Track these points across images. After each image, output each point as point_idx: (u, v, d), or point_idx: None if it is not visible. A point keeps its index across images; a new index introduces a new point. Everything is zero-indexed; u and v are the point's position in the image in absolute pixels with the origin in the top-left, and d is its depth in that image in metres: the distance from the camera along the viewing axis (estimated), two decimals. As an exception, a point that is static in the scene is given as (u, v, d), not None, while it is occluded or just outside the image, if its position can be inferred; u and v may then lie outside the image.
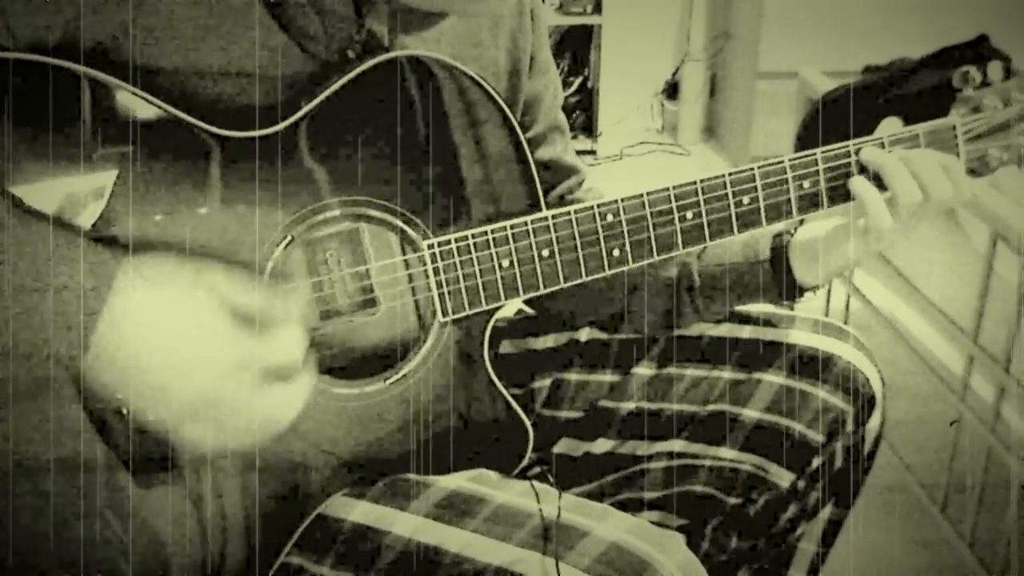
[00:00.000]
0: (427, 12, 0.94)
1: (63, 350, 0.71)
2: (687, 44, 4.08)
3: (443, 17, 0.98)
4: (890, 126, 1.04)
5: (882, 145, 1.02)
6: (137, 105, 0.80)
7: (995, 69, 1.04)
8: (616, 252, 0.97)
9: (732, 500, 1.14)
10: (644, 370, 1.15)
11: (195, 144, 0.82)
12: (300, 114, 0.86)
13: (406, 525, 0.90)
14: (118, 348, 0.73)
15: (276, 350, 0.79)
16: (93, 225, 0.79)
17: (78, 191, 0.78)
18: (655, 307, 1.13)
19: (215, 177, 0.83)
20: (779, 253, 1.06)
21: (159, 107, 0.81)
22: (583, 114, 4.01)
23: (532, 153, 1.08)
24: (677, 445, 1.14)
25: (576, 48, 3.98)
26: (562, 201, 1.15)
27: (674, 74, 4.14)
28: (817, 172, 1.01)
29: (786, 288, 1.07)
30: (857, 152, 1.01)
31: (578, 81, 3.99)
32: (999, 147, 1.06)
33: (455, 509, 0.90)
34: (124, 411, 0.80)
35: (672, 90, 4.16)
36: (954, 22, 3.19)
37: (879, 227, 0.99)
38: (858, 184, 1.00)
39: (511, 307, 1.17)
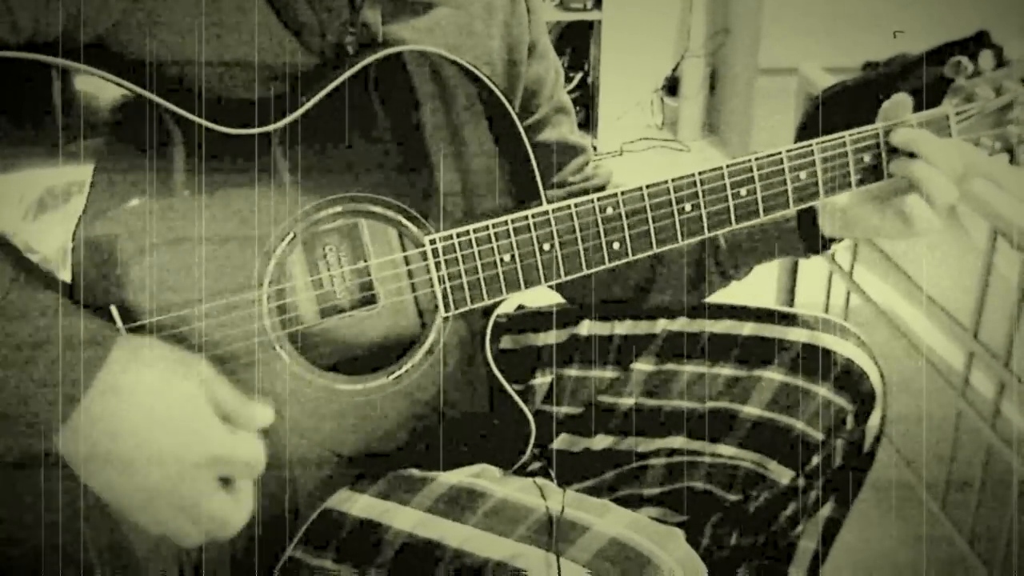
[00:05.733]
0: (420, 1, 0.94)
1: (42, 414, 0.72)
2: (687, 40, 4.07)
3: (436, 5, 0.98)
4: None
5: (877, 135, 1.02)
6: (119, 98, 0.80)
7: (986, 58, 1.05)
8: (616, 245, 0.97)
9: (732, 497, 1.14)
10: (644, 366, 1.15)
11: (189, 138, 0.82)
12: (297, 113, 0.86)
13: (407, 520, 0.90)
14: (95, 424, 0.73)
15: (241, 453, 0.79)
16: (78, 223, 0.78)
17: (55, 187, 0.78)
18: (681, 275, 1.14)
19: (208, 173, 0.83)
20: (808, 209, 1.08)
21: (152, 101, 0.80)
22: (583, 110, 4.00)
23: (537, 135, 1.09)
24: (677, 441, 1.14)
25: (576, 44, 3.97)
26: (573, 181, 1.16)
27: (674, 70, 4.14)
28: (814, 163, 1.01)
29: (815, 243, 1.10)
30: (855, 142, 1.02)
31: (578, 77, 3.99)
32: (991, 136, 1.06)
33: (456, 504, 0.90)
34: None
35: (672, 86, 4.16)
36: (954, 18, 3.18)
37: (944, 203, 1.01)
38: (913, 167, 1.01)
39: (512, 302, 1.17)
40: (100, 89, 0.79)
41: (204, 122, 0.82)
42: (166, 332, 0.82)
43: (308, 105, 0.86)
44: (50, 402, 0.72)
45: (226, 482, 0.80)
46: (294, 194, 0.87)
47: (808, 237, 1.10)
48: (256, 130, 0.85)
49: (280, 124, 0.85)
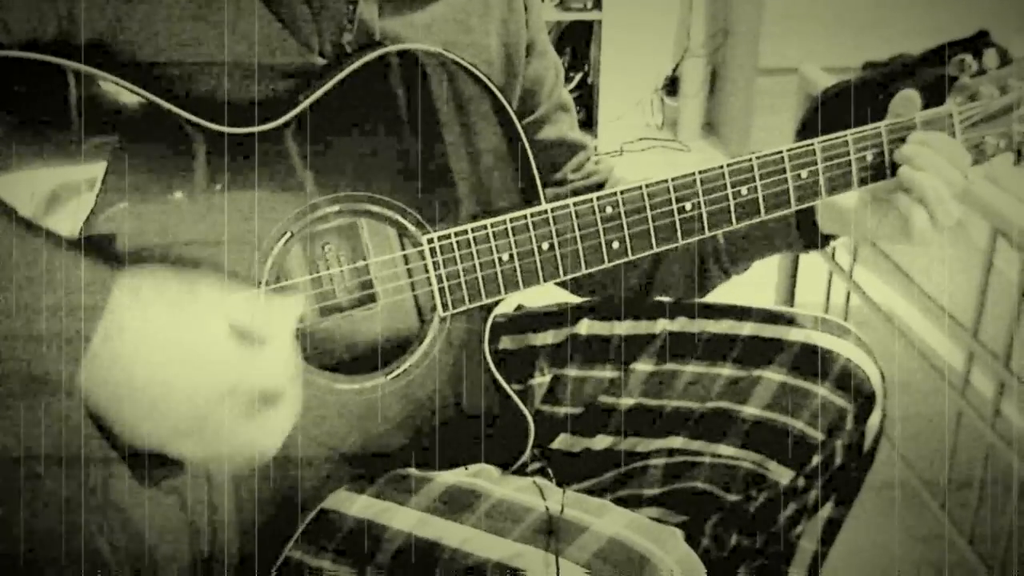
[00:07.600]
0: None
1: (58, 367, 0.71)
2: (687, 40, 4.07)
3: (432, 1, 0.98)
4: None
5: (879, 134, 1.02)
6: (127, 99, 0.80)
7: (991, 57, 1.05)
8: (616, 244, 0.97)
9: (732, 497, 1.14)
10: (644, 366, 1.15)
11: (188, 139, 0.82)
12: (295, 111, 0.86)
13: (406, 519, 0.90)
14: (111, 366, 0.72)
15: (267, 372, 0.78)
16: (85, 221, 0.78)
17: (66, 185, 0.77)
18: (681, 273, 1.15)
19: (210, 173, 0.83)
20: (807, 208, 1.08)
21: (154, 102, 0.80)
22: (583, 110, 4.00)
23: (537, 134, 1.09)
24: (677, 442, 1.13)
25: (576, 44, 3.97)
26: (573, 178, 1.16)
27: (674, 70, 4.14)
28: (815, 162, 1.01)
29: (813, 239, 1.11)
30: (857, 141, 1.02)
31: (578, 77, 3.99)
32: (995, 134, 1.06)
33: (455, 504, 0.90)
34: None
35: (672, 86, 4.16)
36: (954, 17, 3.18)
37: (946, 224, 1.01)
38: (920, 180, 1.01)
39: (511, 302, 1.17)
40: (113, 93, 0.79)
41: (211, 125, 0.82)
42: None
43: (307, 103, 0.86)
44: (64, 345, 0.70)
45: (262, 402, 0.78)
46: (297, 192, 0.87)
47: (806, 233, 1.10)
48: (256, 128, 0.85)
49: (278, 123, 0.85)
